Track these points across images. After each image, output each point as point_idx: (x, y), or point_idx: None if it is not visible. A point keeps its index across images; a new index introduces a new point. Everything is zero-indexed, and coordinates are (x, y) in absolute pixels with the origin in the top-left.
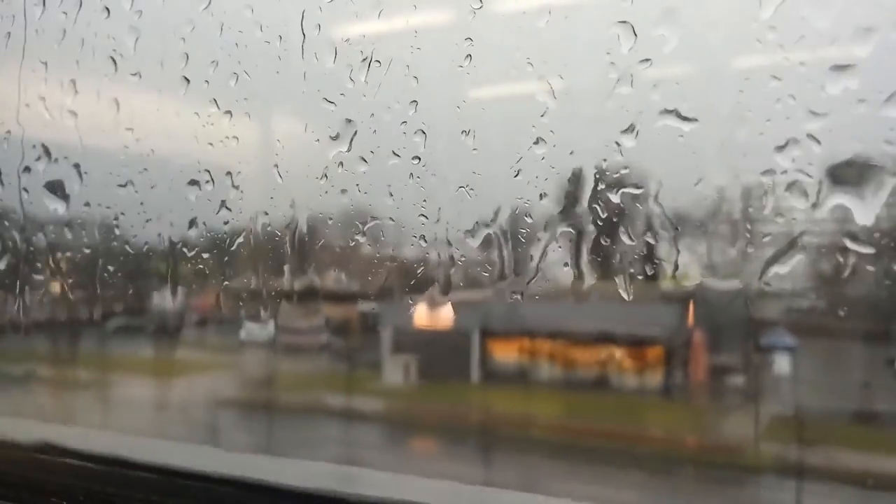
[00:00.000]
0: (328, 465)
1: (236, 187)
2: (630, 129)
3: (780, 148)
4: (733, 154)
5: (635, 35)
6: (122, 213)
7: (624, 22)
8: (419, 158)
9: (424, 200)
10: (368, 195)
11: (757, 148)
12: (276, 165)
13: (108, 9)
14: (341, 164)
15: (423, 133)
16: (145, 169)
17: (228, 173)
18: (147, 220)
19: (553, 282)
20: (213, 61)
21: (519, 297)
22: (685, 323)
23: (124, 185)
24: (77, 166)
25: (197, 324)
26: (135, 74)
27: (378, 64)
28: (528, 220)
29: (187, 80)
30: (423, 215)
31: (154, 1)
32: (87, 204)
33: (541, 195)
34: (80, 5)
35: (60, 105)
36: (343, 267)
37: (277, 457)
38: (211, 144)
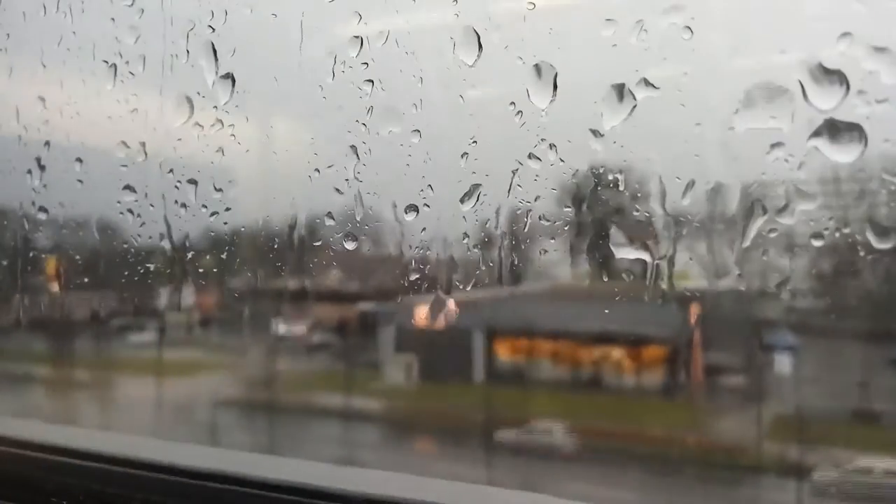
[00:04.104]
0: (328, 465)
1: (236, 187)
2: (630, 128)
3: (778, 146)
4: (734, 153)
5: (635, 34)
6: (121, 213)
7: (623, 23)
8: (420, 158)
9: (426, 203)
10: (369, 195)
11: (757, 147)
12: (276, 166)
13: (101, 14)
14: (341, 163)
15: (424, 133)
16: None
17: (228, 173)
18: (142, 223)
19: (554, 281)
20: (212, 62)
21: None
22: (687, 323)
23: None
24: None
25: (198, 324)
26: (132, 74)
27: (378, 64)
28: (529, 219)
29: (184, 80)
30: (423, 215)
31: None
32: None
33: (540, 194)
34: (83, 8)
35: (58, 103)
36: (344, 267)
37: (277, 455)
38: (211, 144)
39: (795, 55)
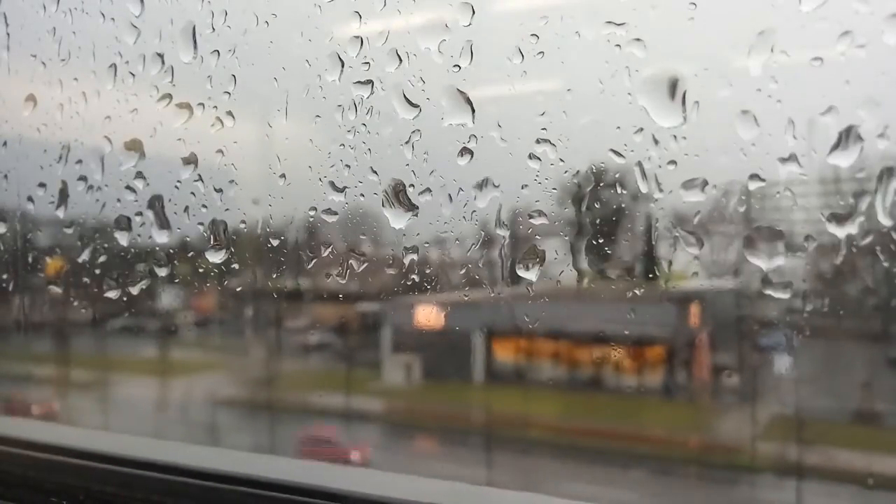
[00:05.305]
0: (328, 465)
1: (237, 187)
2: (630, 128)
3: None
4: (733, 153)
5: (634, 36)
6: (126, 216)
7: (622, 24)
8: (420, 157)
9: (426, 203)
10: (367, 196)
11: (756, 147)
12: (277, 166)
13: (101, 15)
14: (341, 164)
15: (424, 132)
16: (140, 173)
17: (229, 173)
18: (142, 222)
19: (554, 282)
20: (212, 62)
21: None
22: (685, 323)
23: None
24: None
25: (196, 324)
26: (132, 74)
27: (379, 64)
28: (529, 219)
29: (183, 81)
30: (423, 215)
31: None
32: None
33: (542, 195)
34: (83, 8)
35: (67, 104)
36: (343, 268)
37: (277, 455)
38: (211, 146)
39: (796, 55)
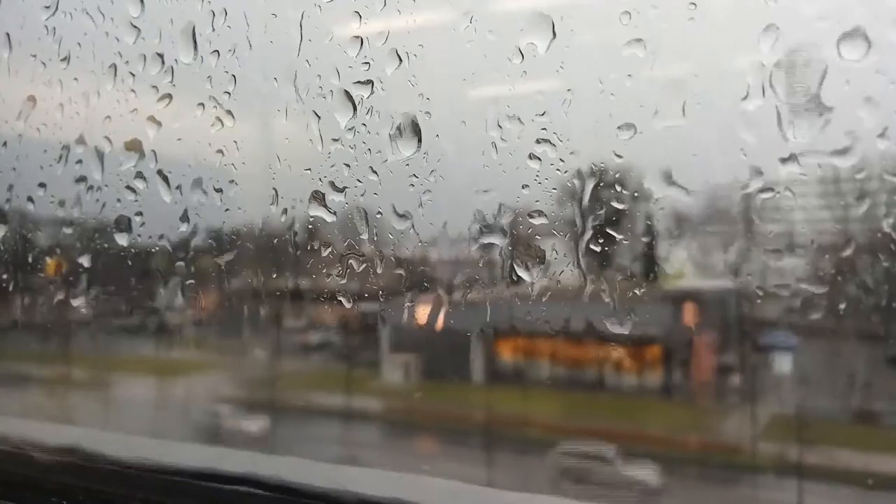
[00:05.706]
0: (327, 465)
1: (237, 187)
2: (630, 128)
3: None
4: (733, 153)
5: (635, 36)
6: (126, 216)
7: (623, 24)
8: (420, 158)
9: (428, 201)
10: (367, 195)
11: (756, 147)
12: (277, 166)
13: (101, 14)
14: (342, 164)
15: (424, 133)
16: (140, 173)
17: (229, 173)
18: (142, 222)
19: (554, 281)
20: (212, 62)
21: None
22: (685, 323)
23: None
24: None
25: (196, 324)
26: (132, 73)
27: (379, 64)
28: (529, 219)
29: (181, 80)
30: (423, 215)
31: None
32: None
33: (542, 195)
34: (83, 8)
35: (67, 104)
36: (343, 267)
37: (277, 455)
38: (211, 145)
39: (795, 55)
